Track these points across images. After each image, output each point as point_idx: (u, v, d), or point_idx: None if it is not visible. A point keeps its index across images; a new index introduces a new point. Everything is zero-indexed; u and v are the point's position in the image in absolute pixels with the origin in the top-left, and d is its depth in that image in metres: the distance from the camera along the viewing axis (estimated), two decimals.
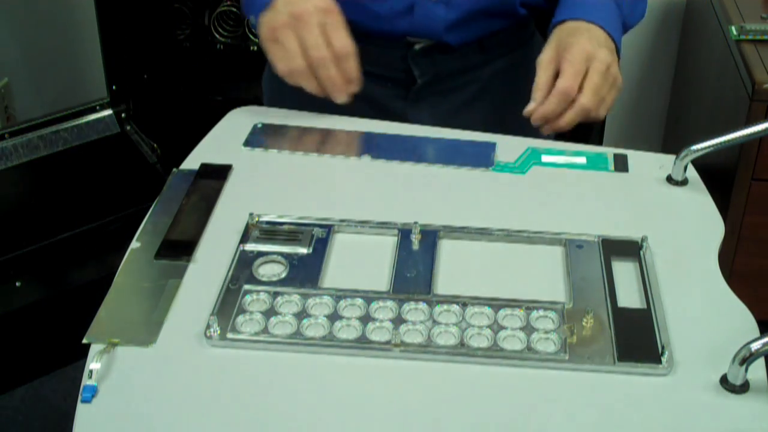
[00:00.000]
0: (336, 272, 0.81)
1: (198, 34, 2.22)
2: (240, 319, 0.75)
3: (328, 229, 0.86)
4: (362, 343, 0.73)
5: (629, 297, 0.78)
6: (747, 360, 0.68)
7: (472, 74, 1.12)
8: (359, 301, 0.77)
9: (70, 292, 1.83)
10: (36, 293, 1.81)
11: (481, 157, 0.97)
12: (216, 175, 0.94)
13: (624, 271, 0.82)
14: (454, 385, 0.70)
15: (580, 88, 0.92)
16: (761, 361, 0.70)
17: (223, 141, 1.01)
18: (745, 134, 0.92)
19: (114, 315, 0.76)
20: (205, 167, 0.96)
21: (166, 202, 0.90)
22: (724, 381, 0.70)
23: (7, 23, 2.13)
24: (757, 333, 0.74)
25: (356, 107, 1.00)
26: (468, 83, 1.13)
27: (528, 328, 0.75)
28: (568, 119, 0.94)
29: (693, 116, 2.08)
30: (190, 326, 0.75)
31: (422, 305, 0.77)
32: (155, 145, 2.04)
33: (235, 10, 2.18)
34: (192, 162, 0.97)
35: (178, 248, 0.84)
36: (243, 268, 0.81)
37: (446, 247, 0.85)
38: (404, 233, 0.85)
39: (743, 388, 0.69)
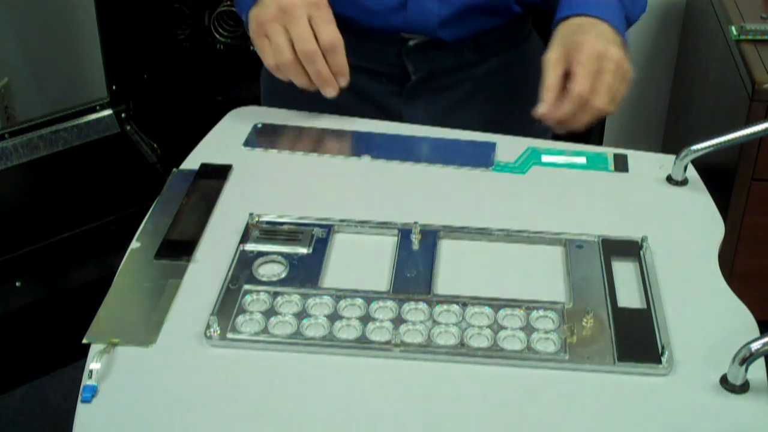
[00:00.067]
0: (336, 272, 0.81)
1: (198, 34, 2.22)
2: (240, 319, 0.75)
3: (328, 229, 0.86)
4: (362, 343, 0.73)
5: (629, 297, 0.78)
6: (747, 360, 0.68)
7: (467, 72, 1.12)
8: (359, 301, 0.77)
9: (70, 292, 1.83)
10: (36, 293, 1.81)
11: (481, 157, 0.97)
12: (216, 175, 0.95)
13: (624, 271, 0.82)
14: (454, 385, 0.70)
15: (594, 89, 0.91)
16: (761, 361, 0.70)
17: (223, 141, 1.01)
18: (745, 134, 0.92)
19: (114, 315, 0.76)
20: (205, 167, 0.96)
21: (166, 202, 0.90)
22: (724, 381, 0.70)
23: (7, 23, 2.13)
24: (757, 333, 0.74)
25: (351, 103, 1.00)
26: (463, 80, 1.13)
27: (528, 328, 0.74)
28: (583, 121, 0.93)
29: (693, 116, 2.08)
30: (190, 326, 0.75)
31: (422, 305, 0.77)
32: (155, 145, 2.04)
33: (235, 10, 2.18)
34: (192, 162, 0.97)
35: (178, 248, 0.84)
36: (243, 268, 0.81)
37: (446, 247, 0.85)
38: (404, 233, 0.85)
39: (743, 388, 0.69)
